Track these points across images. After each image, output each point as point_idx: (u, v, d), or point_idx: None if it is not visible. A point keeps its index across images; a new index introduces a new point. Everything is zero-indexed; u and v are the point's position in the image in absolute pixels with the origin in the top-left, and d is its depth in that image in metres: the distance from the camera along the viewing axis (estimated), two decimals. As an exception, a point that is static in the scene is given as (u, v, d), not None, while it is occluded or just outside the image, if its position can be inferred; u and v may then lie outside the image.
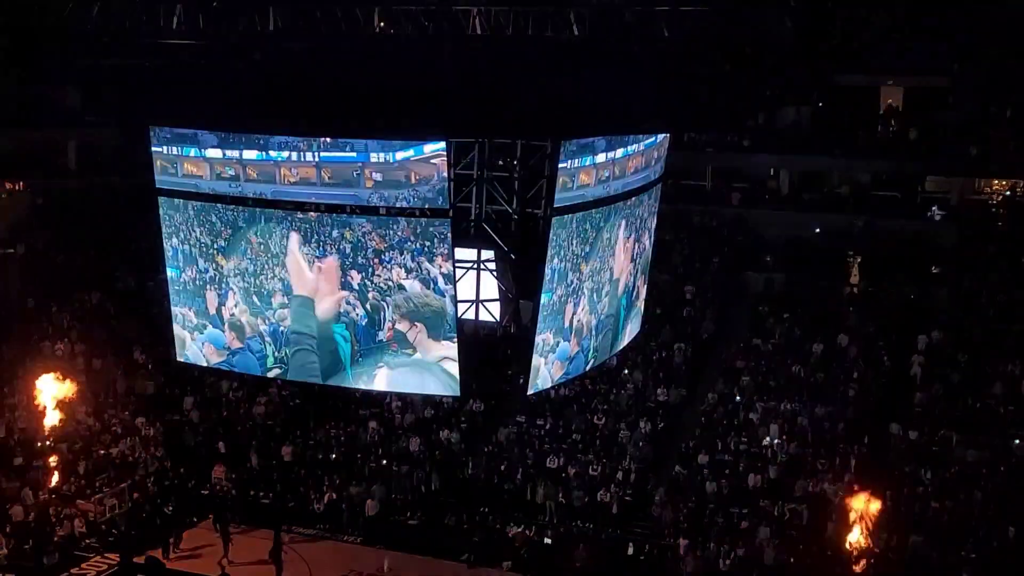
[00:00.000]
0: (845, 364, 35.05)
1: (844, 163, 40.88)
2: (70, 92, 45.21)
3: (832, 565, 28.45)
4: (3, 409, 34.41)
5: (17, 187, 43.00)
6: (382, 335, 17.85)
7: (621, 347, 23.63)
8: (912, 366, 34.12)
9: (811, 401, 33.71)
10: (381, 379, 18.53)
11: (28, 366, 36.12)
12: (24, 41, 44.09)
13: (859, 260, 38.94)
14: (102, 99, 44.01)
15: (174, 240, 19.50)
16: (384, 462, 34.47)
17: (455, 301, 17.50)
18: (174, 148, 18.29)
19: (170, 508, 33.16)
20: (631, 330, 23.44)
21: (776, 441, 32.47)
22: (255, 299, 18.91)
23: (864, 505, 26.80)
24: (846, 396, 33.82)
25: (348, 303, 17.91)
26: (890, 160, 40.17)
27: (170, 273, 19.94)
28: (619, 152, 18.84)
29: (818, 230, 40.60)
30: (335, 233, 17.58)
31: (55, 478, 32.19)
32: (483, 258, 18.61)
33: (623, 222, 19.88)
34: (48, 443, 33.19)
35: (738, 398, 34.72)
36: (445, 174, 16.41)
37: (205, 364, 20.45)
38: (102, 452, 34.10)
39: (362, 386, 19.14)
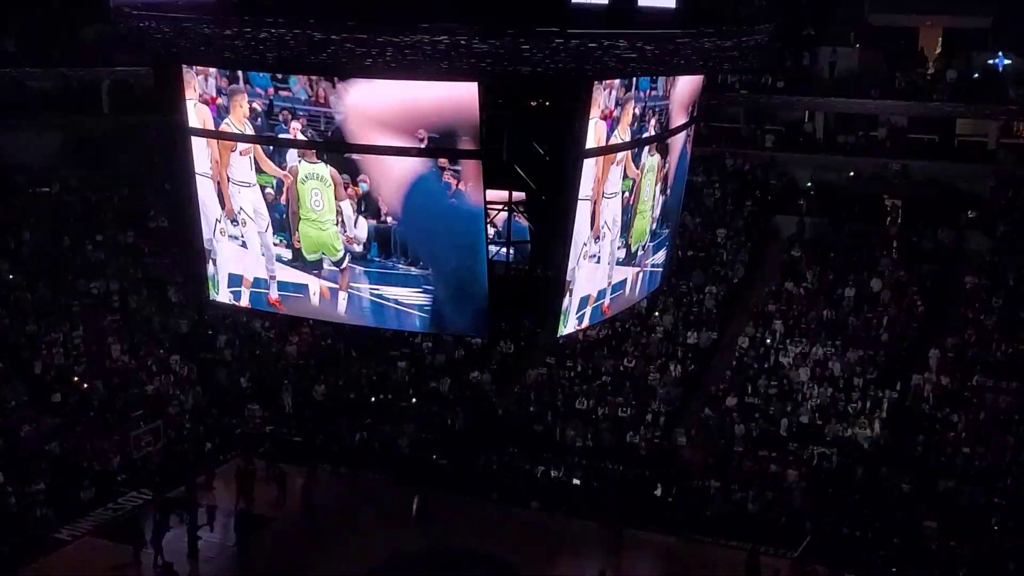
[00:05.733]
0: (877, 308, 34.89)
1: (880, 105, 40.26)
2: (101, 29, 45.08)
3: (860, 509, 28.69)
4: (39, 347, 34.86)
5: (52, 125, 43.07)
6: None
7: (652, 289, 23.53)
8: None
9: (843, 345, 33.64)
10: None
11: (63, 304, 36.56)
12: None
13: (893, 204, 38.64)
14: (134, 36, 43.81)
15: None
16: (415, 402, 34.73)
17: (487, 242, 17.47)
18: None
19: (205, 446, 33.61)
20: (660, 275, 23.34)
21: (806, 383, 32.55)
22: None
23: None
24: (878, 340, 33.71)
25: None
26: (928, 103, 39.53)
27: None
28: (653, 92, 18.64)
29: (852, 174, 40.22)
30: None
31: (91, 414, 32.77)
32: (514, 199, 18.53)
33: (654, 162, 19.71)
34: (84, 381, 33.73)
35: (768, 341, 34.68)
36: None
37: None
38: (137, 390, 34.61)
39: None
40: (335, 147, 16.97)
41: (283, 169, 17.47)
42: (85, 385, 34.02)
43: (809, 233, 38.47)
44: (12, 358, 34.42)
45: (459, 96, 16.06)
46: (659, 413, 32.97)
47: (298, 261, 18.19)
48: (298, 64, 16.27)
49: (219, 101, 17.70)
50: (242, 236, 18.42)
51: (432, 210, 16.91)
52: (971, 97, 38.59)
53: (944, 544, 27.59)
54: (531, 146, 17.35)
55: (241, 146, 17.73)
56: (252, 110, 17.36)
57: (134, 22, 17.59)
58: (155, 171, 40.23)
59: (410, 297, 17.86)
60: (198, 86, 17.79)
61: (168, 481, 31.40)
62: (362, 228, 17.37)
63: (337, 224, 17.45)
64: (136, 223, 41.03)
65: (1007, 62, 39.04)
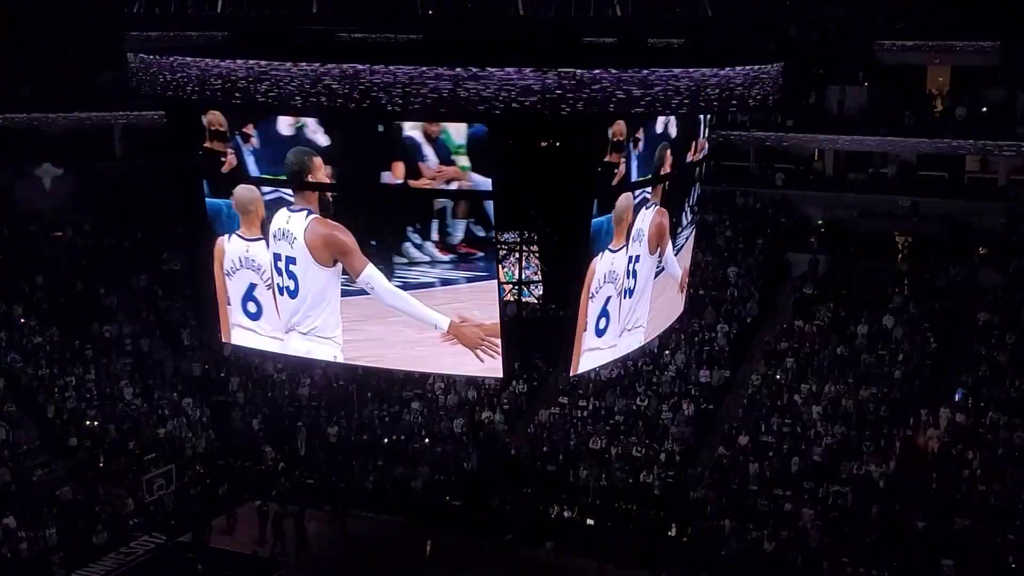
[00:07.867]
0: (890, 346, 34.77)
1: (890, 143, 40.36)
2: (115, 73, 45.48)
3: (876, 548, 28.47)
4: (53, 391, 34.89)
5: (64, 170, 43.30)
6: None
7: (664, 329, 23.54)
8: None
9: (856, 383, 33.50)
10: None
11: (76, 348, 36.60)
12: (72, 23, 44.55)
13: (905, 241, 38.62)
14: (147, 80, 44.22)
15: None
16: (427, 443, 34.63)
17: (499, 282, 17.55)
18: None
19: (218, 489, 33.50)
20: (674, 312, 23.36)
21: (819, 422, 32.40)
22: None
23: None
24: (891, 378, 33.58)
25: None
26: (937, 140, 39.61)
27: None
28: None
29: (862, 211, 40.24)
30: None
31: (103, 458, 32.76)
32: (526, 239, 18.63)
33: (663, 201, 19.79)
34: (97, 424, 33.72)
35: (778, 376, 34.56)
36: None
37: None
38: (150, 433, 34.58)
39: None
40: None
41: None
42: (97, 423, 34.01)
43: (821, 270, 38.42)
44: (25, 402, 34.48)
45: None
46: (672, 452, 32.83)
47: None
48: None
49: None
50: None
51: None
52: (980, 134, 38.77)
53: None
54: (544, 186, 17.50)
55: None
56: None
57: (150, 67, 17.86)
58: (168, 214, 40.45)
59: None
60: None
61: (181, 525, 31.35)
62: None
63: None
64: (149, 266, 41.15)
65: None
